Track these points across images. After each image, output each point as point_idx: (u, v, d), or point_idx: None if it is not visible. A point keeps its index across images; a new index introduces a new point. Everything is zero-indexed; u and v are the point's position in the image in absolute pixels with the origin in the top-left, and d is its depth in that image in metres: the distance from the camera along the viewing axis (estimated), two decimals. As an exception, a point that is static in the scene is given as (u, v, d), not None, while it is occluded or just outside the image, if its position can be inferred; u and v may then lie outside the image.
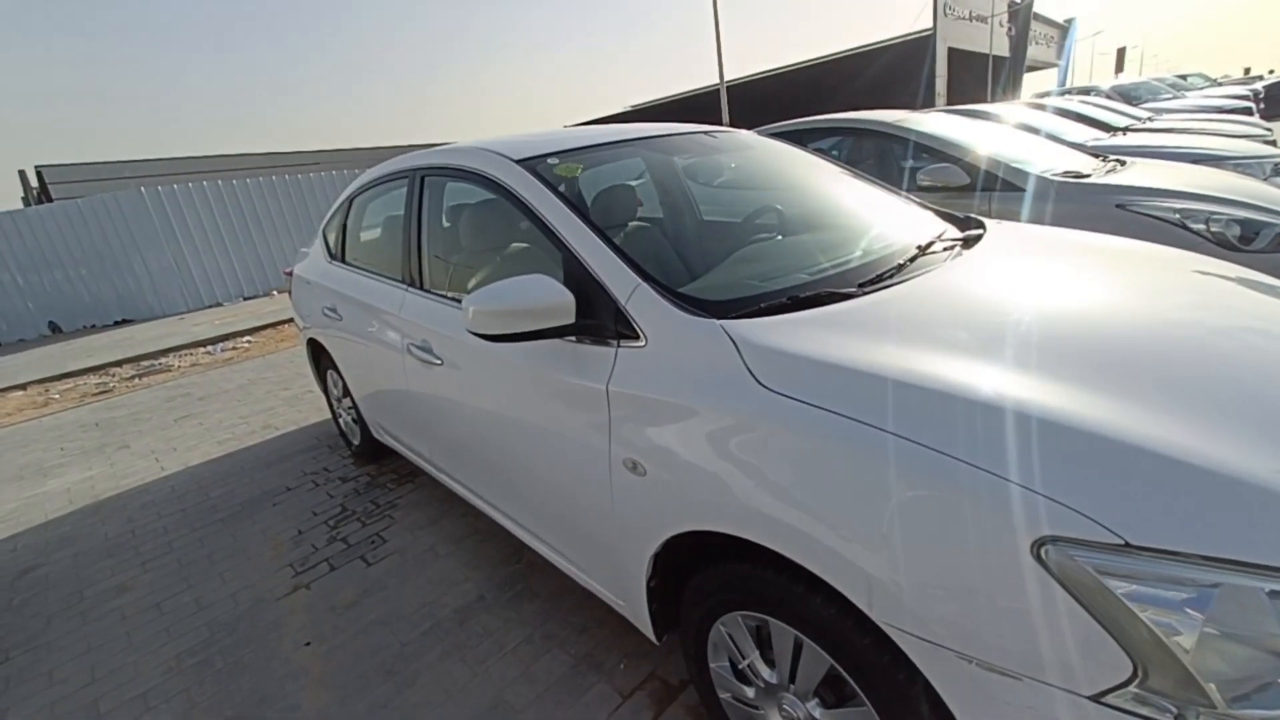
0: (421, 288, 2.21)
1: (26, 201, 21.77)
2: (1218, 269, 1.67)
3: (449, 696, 1.76)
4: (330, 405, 3.60)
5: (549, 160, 1.87)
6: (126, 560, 2.71)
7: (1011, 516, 0.84)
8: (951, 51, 23.28)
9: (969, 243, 1.79)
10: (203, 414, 4.65)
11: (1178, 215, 2.80)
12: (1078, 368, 1.05)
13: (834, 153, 4.35)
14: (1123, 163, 3.77)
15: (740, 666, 1.32)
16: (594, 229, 1.56)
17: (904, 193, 2.33)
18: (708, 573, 1.31)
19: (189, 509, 3.12)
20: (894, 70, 23.69)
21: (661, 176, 2.60)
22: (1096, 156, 3.94)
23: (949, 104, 17.33)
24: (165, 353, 7.24)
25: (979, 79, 24.51)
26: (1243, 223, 2.74)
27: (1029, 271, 1.56)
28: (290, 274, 3.57)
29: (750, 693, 1.31)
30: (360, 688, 1.83)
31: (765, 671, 1.26)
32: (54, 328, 9.67)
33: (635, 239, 1.98)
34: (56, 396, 5.97)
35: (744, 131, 2.49)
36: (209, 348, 7.35)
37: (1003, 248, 1.72)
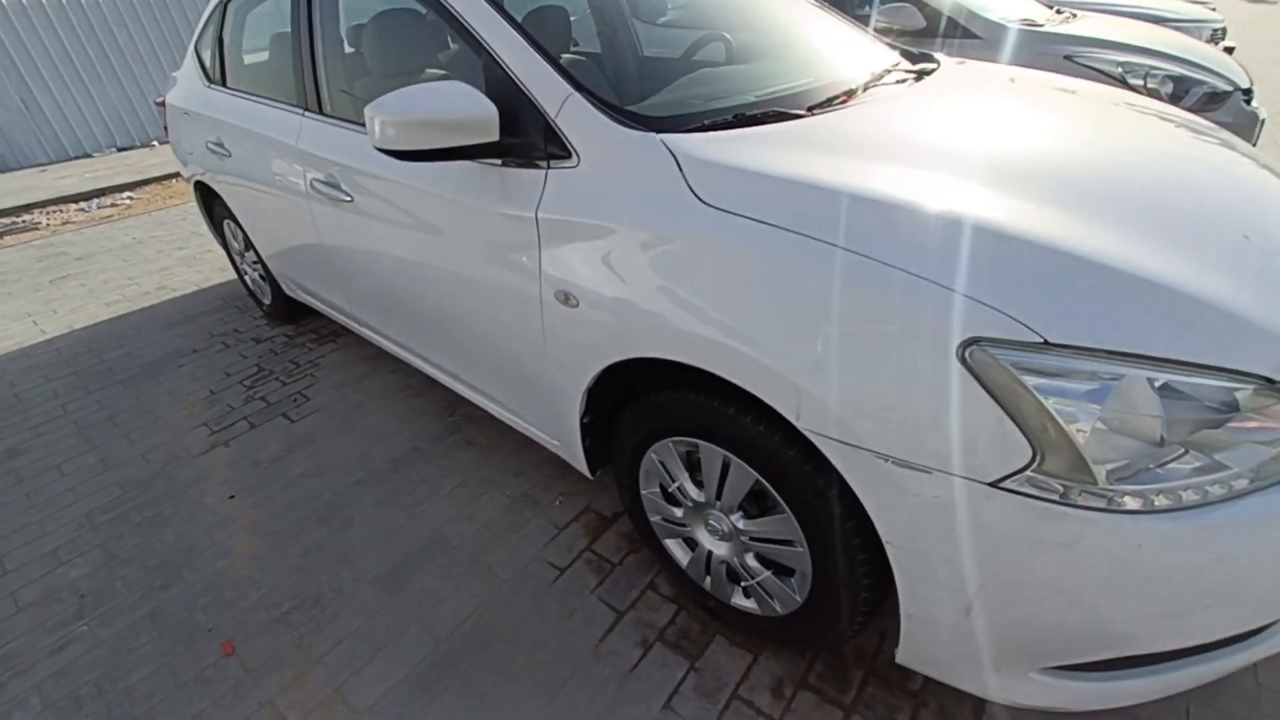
0: (321, 112, 1.92)
1: None
2: (1157, 110, 1.66)
3: (385, 537, 1.78)
4: (232, 261, 3.27)
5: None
6: (14, 424, 2.49)
7: (945, 320, 0.84)
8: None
9: (921, 75, 1.70)
10: (83, 275, 4.15)
11: (1119, 69, 2.78)
12: (1013, 184, 1.03)
13: None
14: (1075, 15, 3.66)
15: (670, 490, 1.37)
16: (521, 31, 1.34)
17: (859, 24, 2.15)
18: (641, 403, 1.31)
19: (81, 371, 2.86)
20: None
21: (600, 6, 2.29)
22: (1050, 7, 3.79)
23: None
24: (27, 209, 6.30)
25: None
26: (1176, 79, 2.76)
27: (977, 101, 1.50)
28: (163, 104, 3.05)
29: (679, 513, 1.38)
30: (293, 533, 1.82)
31: (694, 491, 1.31)
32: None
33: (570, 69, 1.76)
34: (-103, 257, 5.15)
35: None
36: (82, 204, 6.44)
37: (955, 81, 1.64)
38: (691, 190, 1.08)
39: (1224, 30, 4.92)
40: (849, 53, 1.83)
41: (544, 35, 1.76)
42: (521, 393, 1.61)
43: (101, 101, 9.05)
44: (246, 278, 3.19)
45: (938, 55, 1.97)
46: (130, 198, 6.63)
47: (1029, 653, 0.96)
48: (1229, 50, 5.04)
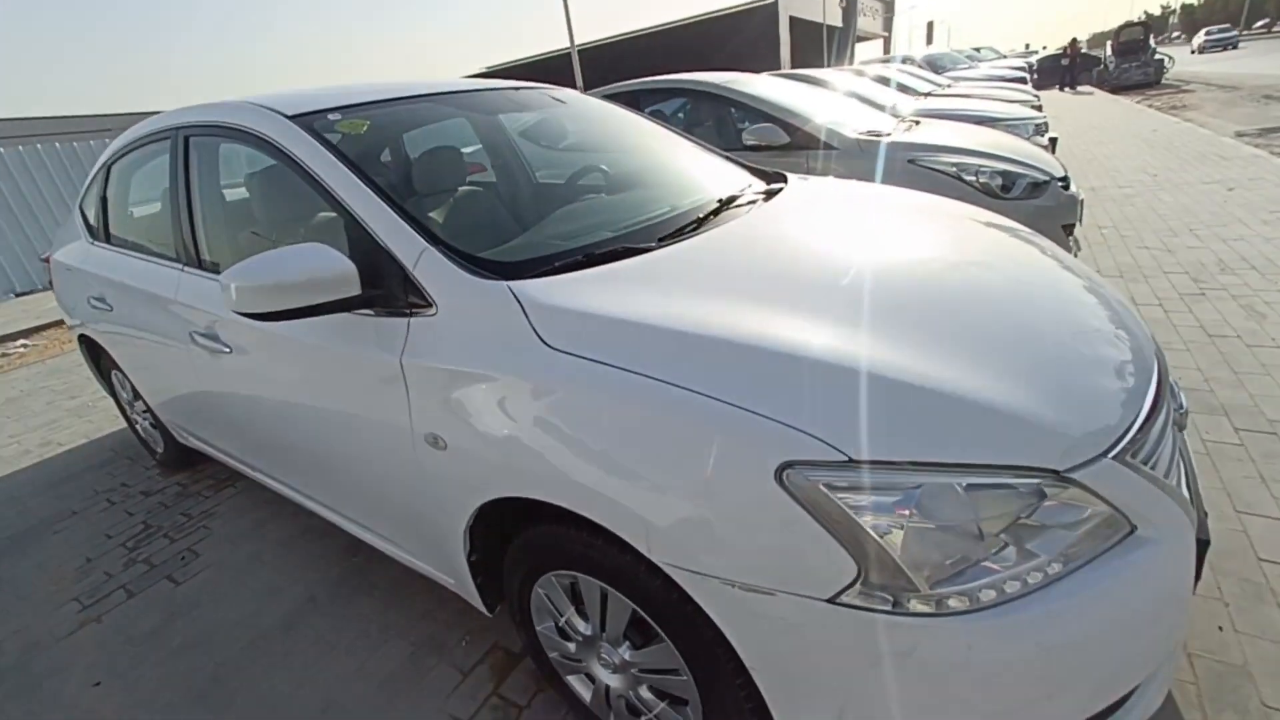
0: (199, 265, 1.93)
1: None
2: (973, 214, 1.90)
3: (272, 711, 1.62)
4: (122, 410, 3.11)
5: (329, 116, 1.68)
6: None
7: (761, 446, 0.90)
8: (793, 20, 24.52)
9: (771, 195, 1.90)
10: (-45, 437, 3.82)
11: (954, 168, 3.18)
12: (827, 308, 1.15)
13: (677, 115, 4.42)
14: (918, 123, 4.20)
15: (559, 624, 1.33)
16: (377, 190, 1.43)
17: (720, 151, 2.40)
18: (520, 539, 1.30)
19: (-65, 553, 2.56)
20: (747, 36, 24.53)
21: (489, 137, 2.49)
22: (898, 118, 4.35)
23: (792, 68, 18.29)
24: (-99, 368, 5.83)
25: (818, 46, 26.10)
26: (1003, 174, 3.17)
27: (810, 220, 1.68)
28: (49, 260, 2.99)
29: (572, 648, 1.34)
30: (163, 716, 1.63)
31: (581, 625, 1.29)
32: None
33: (462, 204, 1.86)
34: None
35: (560, 89, 2.41)
36: (-32, 357, 6.04)
37: (795, 200, 1.84)
38: (536, 334, 1.14)
39: (1045, 124, 5.75)
40: (708, 178, 2.03)
41: (440, 174, 1.92)
42: (410, 532, 1.57)
43: (0, 247, 8.75)
44: (138, 426, 3.02)
45: (787, 175, 2.22)
46: (25, 345, 6.28)
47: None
48: (1053, 141, 5.87)
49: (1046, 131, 6.00)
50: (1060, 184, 3.32)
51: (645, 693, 1.24)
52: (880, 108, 4.86)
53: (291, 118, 1.64)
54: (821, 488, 0.86)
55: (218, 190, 2.00)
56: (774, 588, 0.90)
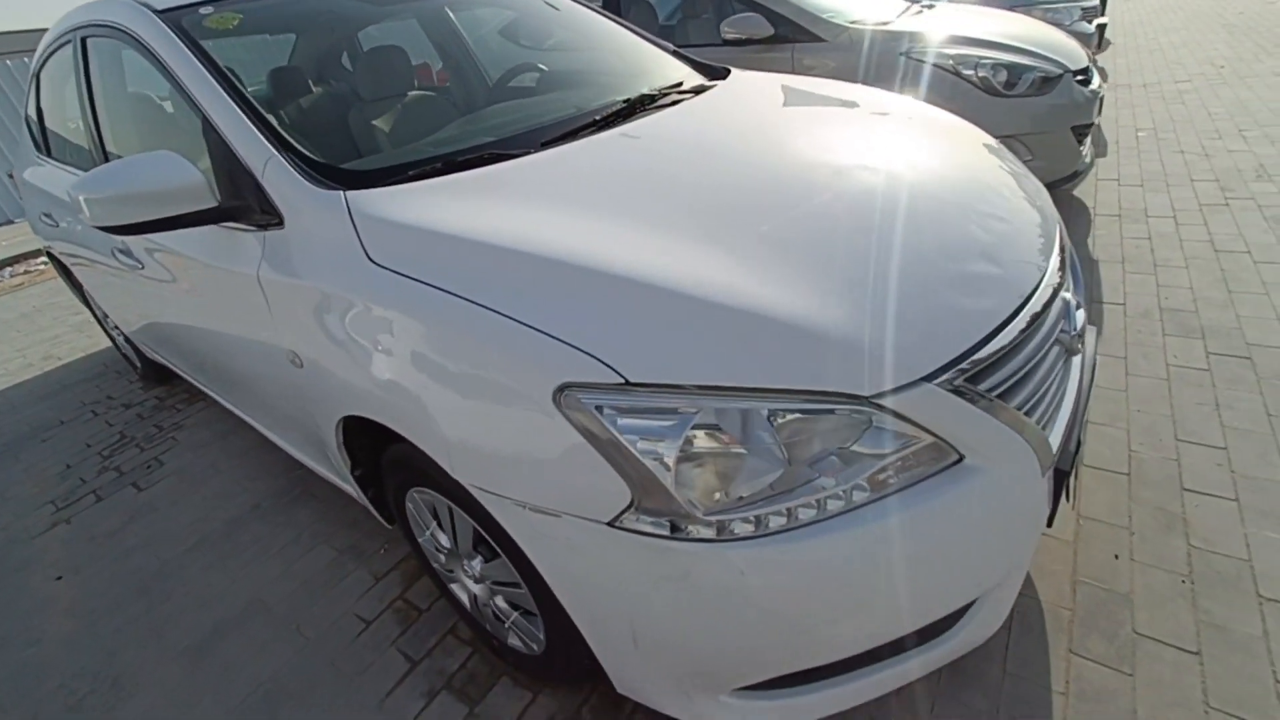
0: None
1: None
2: (915, 113, 1.68)
3: (203, 605, 1.75)
4: (102, 326, 3.22)
5: (201, 10, 1.56)
6: None
7: (542, 368, 0.85)
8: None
9: (698, 92, 1.73)
10: (-32, 351, 4.05)
11: (951, 62, 2.84)
12: (671, 217, 1.05)
13: (672, 9, 4.04)
14: (932, 6, 3.74)
15: (422, 539, 1.36)
16: (230, 91, 1.34)
17: (670, 47, 2.18)
18: (386, 455, 1.31)
19: (-60, 456, 2.78)
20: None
21: (439, 37, 2.33)
22: (910, 2, 3.88)
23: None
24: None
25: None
26: (1009, 68, 2.82)
27: (715, 122, 1.52)
28: (12, 176, 3.00)
29: (443, 559, 1.37)
30: (110, 611, 1.78)
31: (444, 539, 1.31)
32: None
33: (414, 113, 1.74)
34: None
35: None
36: (-6, 274, 6.31)
37: (713, 100, 1.67)
38: (363, 248, 1.08)
39: (1097, 8, 5.08)
40: (639, 77, 1.85)
41: (382, 78, 1.80)
42: (309, 447, 1.60)
43: (18, 166, 8.89)
44: (117, 341, 3.13)
45: (732, 70, 2.01)
46: (44, 263, 6.49)
47: (709, 678, 0.96)
48: (1100, 28, 5.21)
49: (1098, 16, 5.32)
50: (1078, 78, 2.94)
51: (501, 603, 1.28)
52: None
53: (159, 12, 1.53)
54: (592, 410, 0.81)
55: (122, 93, 1.92)
56: (559, 510, 0.88)
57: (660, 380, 0.81)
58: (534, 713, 1.32)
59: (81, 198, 1.21)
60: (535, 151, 1.33)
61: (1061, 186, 3.24)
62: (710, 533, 0.83)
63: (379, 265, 1.05)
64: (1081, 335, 1.15)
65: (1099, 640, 1.26)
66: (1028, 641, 1.28)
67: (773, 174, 1.21)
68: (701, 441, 0.81)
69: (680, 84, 1.79)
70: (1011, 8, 4.54)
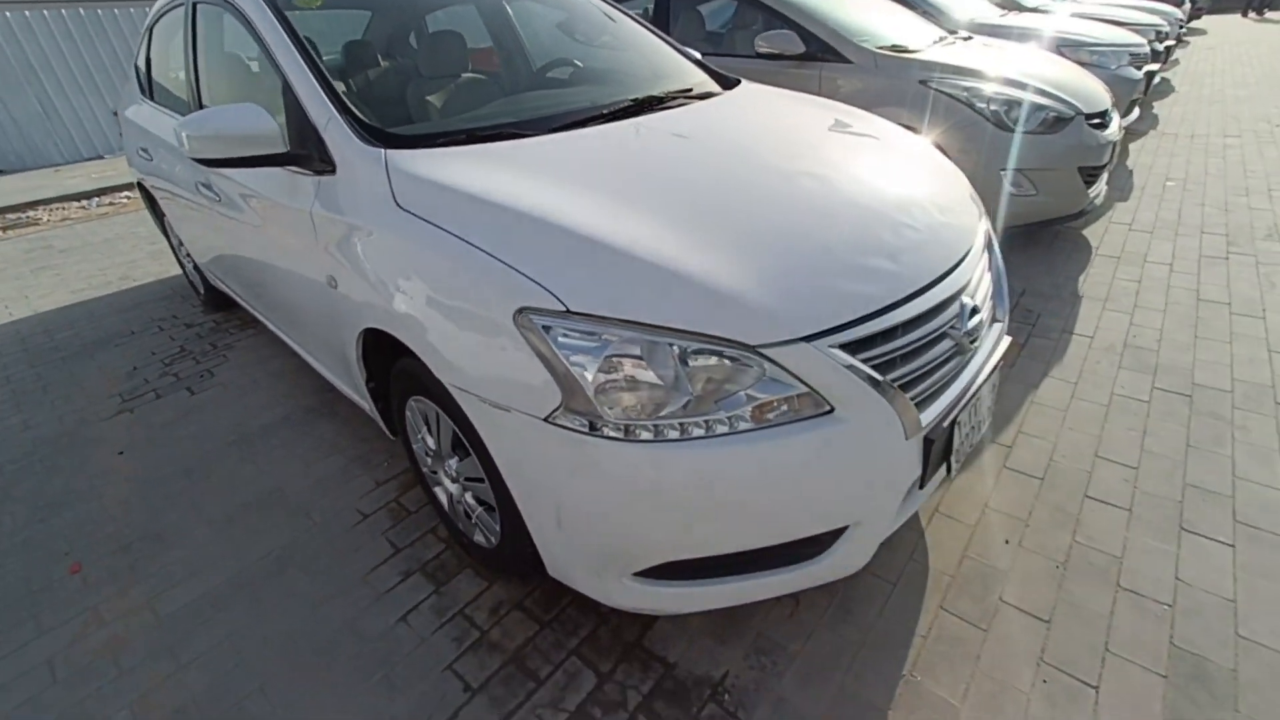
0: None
1: None
2: (881, 132, 1.90)
3: (233, 488, 2.08)
4: (175, 254, 3.63)
5: (292, -11, 1.87)
6: (-38, 390, 2.85)
7: (508, 293, 1.11)
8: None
9: (708, 96, 1.99)
10: (61, 266, 4.56)
11: (965, 94, 3.00)
12: (638, 195, 1.30)
13: (724, 20, 4.26)
14: (969, 38, 3.88)
15: (415, 445, 1.64)
16: (306, 59, 1.64)
17: (693, 56, 2.42)
18: (395, 368, 1.59)
19: (31, 349, 3.22)
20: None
21: (485, 23, 2.63)
22: (952, 33, 4.02)
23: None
24: (33, 205, 6.80)
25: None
26: (1019, 104, 2.97)
27: (704, 125, 1.75)
28: (116, 114, 3.43)
29: (430, 461, 1.66)
30: (159, 483, 2.13)
31: (431, 442, 1.59)
32: (-91, 176, 8.79)
33: (461, 92, 2.04)
34: (-91, 247, 5.65)
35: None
36: (84, 202, 6.94)
37: (711, 107, 1.90)
38: (393, 195, 1.36)
39: (1149, 55, 5.09)
40: (654, 81, 2.10)
41: (439, 60, 2.11)
42: (337, 364, 1.91)
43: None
44: (185, 268, 3.54)
45: (742, 81, 2.25)
46: (128, 197, 7.10)
47: (614, 559, 1.21)
48: (1150, 74, 5.22)
49: (1151, 62, 5.32)
50: (1092, 121, 3.07)
51: (470, 499, 1.55)
52: (938, 21, 4.46)
53: (256, -13, 1.84)
54: (541, 330, 1.07)
55: (220, 53, 2.26)
56: (509, 405, 1.14)
57: (592, 311, 1.06)
58: (486, 598, 1.59)
59: (185, 134, 1.53)
60: (544, 134, 1.60)
61: (1066, 224, 3.36)
62: (618, 434, 1.08)
63: (402, 208, 1.33)
64: (975, 337, 1.35)
65: (968, 602, 1.46)
66: (908, 595, 1.49)
67: (730, 170, 1.45)
68: (620, 363, 1.06)
69: (690, 89, 2.04)
70: (1059, 48, 4.61)
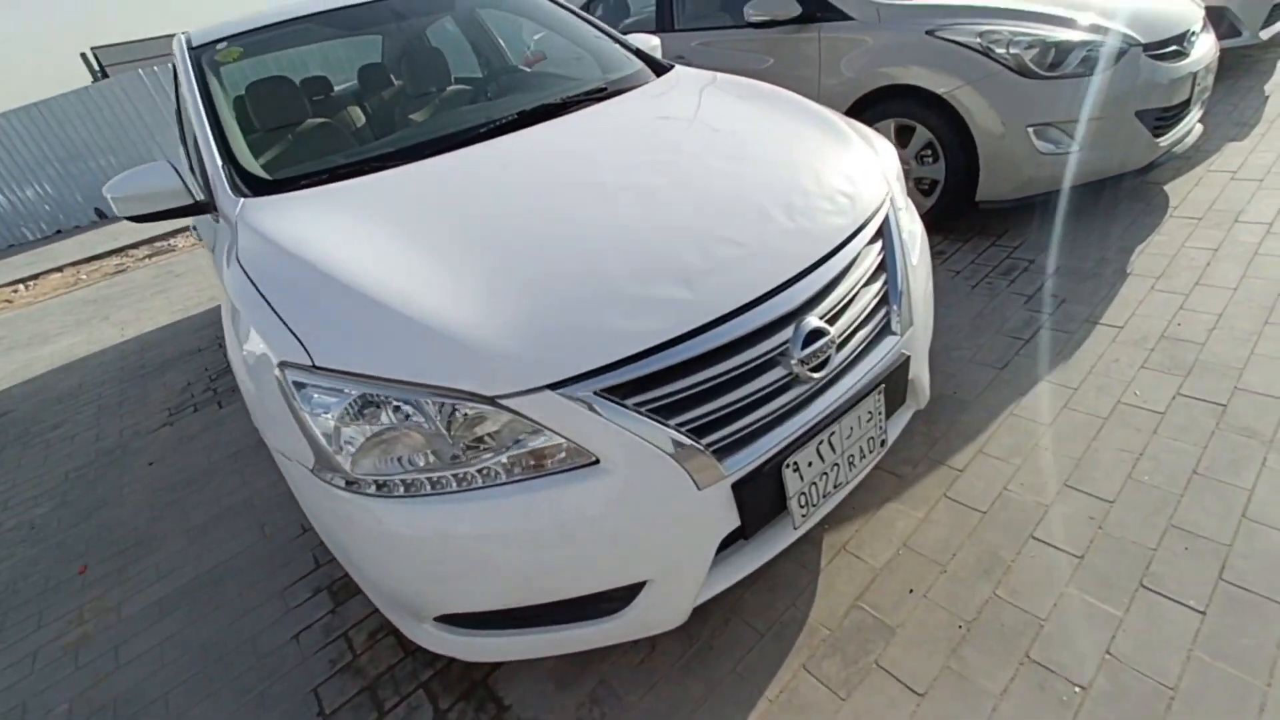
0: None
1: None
2: (789, 108, 1.68)
3: (217, 498, 2.32)
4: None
5: (216, 46, 2.01)
6: (66, 406, 3.44)
7: (275, 345, 1.12)
8: None
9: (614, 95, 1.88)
10: (172, 289, 5.33)
11: (979, 40, 2.54)
12: (441, 237, 1.26)
13: None
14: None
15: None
16: (209, 112, 1.76)
17: (630, 45, 2.28)
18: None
19: (126, 367, 3.81)
20: None
21: (401, 48, 2.70)
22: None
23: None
24: (175, 234, 7.99)
25: None
26: (1049, 44, 2.46)
27: (545, 147, 1.62)
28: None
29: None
30: (166, 491, 2.43)
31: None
32: (99, 214, 10.66)
33: (333, 128, 2.09)
34: (84, 277, 6.89)
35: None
36: (210, 228, 8.04)
37: (590, 116, 1.76)
38: (236, 247, 1.42)
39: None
40: (564, 84, 2.02)
41: (331, 94, 2.21)
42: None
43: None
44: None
45: (674, 68, 2.09)
46: (243, 220, 8.10)
47: (404, 604, 1.19)
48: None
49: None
50: (1156, 52, 2.48)
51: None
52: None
53: (191, 48, 2.00)
54: (288, 383, 1.07)
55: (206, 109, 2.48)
56: (290, 455, 1.16)
57: (334, 366, 1.04)
58: (371, 621, 1.64)
59: (109, 196, 1.70)
60: (403, 164, 1.58)
61: (1136, 179, 2.78)
62: (370, 490, 1.06)
63: (238, 260, 1.38)
64: (820, 363, 1.15)
65: (836, 664, 1.27)
66: (772, 650, 1.33)
67: (547, 196, 1.36)
68: (364, 416, 1.03)
69: (604, 90, 1.92)
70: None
